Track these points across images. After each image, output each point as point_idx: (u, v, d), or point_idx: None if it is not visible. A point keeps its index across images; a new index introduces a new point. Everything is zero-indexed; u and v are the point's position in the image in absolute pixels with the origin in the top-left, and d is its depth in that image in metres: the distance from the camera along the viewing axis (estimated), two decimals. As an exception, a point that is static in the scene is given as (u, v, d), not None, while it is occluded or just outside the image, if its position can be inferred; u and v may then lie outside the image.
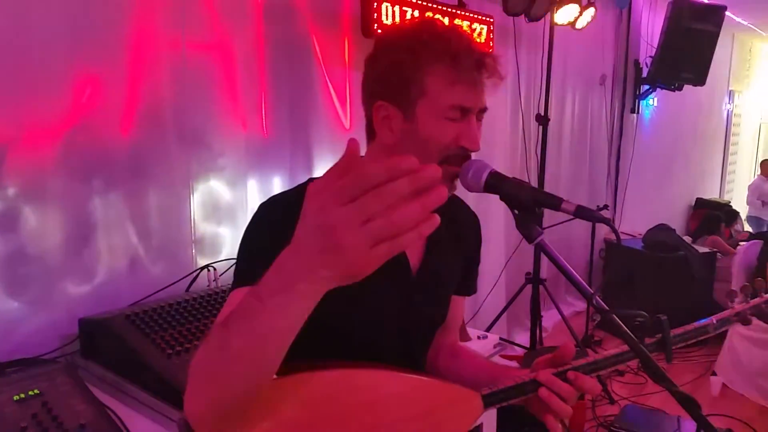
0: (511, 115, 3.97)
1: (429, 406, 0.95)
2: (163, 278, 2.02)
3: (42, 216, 1.76)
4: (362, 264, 0.56)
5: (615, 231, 0.96)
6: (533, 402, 1.01)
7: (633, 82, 5.49)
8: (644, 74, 5.39)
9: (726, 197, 8.01)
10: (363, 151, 1.09)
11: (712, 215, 5.89)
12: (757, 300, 1.21)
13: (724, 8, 5.05)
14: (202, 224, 2.22)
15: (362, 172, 0.54)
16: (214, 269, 2.07)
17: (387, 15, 2.67)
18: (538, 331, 3.73)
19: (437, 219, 0.55)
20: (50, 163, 1.76)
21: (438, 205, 0.54)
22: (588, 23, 3.91)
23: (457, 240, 1.17)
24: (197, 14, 2.11)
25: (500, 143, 3.86)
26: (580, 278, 0.94)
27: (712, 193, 7.71)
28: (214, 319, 1.48)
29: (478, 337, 2.43)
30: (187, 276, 2.06)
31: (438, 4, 2.91)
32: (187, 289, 2.01)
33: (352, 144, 0.56)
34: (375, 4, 2.62)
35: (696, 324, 1.14)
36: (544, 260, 3.77)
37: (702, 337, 1.14)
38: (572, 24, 3.78)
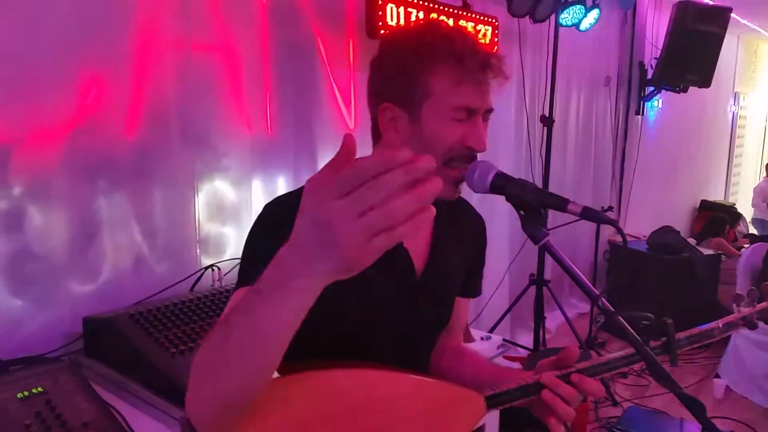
0: (515, 116, 3.96)
1: (432, 406, 0.95)
2: (168, 278, 2.02)
3: (47, 215, 1.77)
4: (359, 257, 0.56)
5: (621, 233, 0.95)
6: (536, 404, 1.01)
7: (638, 84, 5.46)
8: (649, 76, 5.36)
9: (731, 199, 7.96)
10: (368, 153, 1.09)
11: (716, 217, 5.87)
12: (764, 304, 1.21)
13: (730, 10, 5.03)
14: (207, 224, 2.23)
15: (358, 165, 0.54)
16: (219, 269, 2.08)
17: (392, 16, 2.67)
18: (541, 332, 3.72)
19: (433, 210, 0.55)
20: (55, 162, 1.77)
21: (434, 196, 0.54)
22: (593, 25, 3.90)
23: (462, 242, 1.16)
24: (202, 15, 2.11)
25: (504, 144, 3.86)
26: (585, 280, 0.94)
27: (716, 195, 7.67)
28: (218, 319, 1.49)
29: (482, 338, 2.43)
30: (191, 275, 2.07)
31: (442, 5, 2.91)
32: (191, 289, 2.02)
33: (348, 139, 0.56)
34: (380, 5, 2.62)
35: (702, 327, 1.13)
36: (548, 261, 3.76)
37: (707, 341, 1.13)
38: (577, 25, 3.78)
